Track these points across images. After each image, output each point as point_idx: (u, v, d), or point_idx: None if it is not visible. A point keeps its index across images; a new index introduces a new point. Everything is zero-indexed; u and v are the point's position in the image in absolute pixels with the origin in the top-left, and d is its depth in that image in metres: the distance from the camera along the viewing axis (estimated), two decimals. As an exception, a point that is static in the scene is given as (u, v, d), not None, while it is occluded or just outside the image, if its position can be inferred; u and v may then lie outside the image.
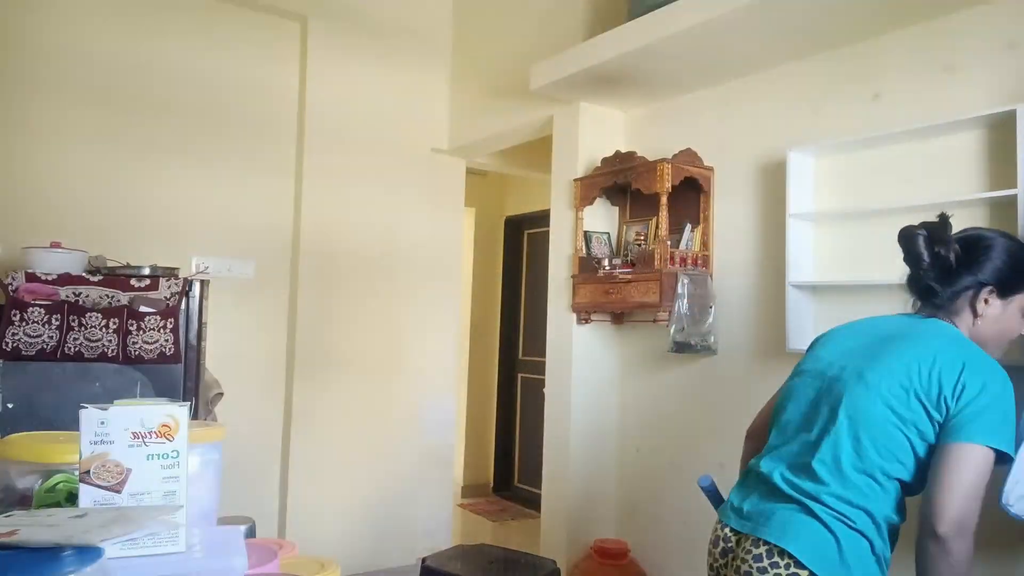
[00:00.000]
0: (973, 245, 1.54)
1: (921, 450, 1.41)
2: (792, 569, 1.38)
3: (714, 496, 1.82)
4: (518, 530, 4.89)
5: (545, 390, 3.50)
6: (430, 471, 4.29)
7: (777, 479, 1.49)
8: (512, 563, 2.84)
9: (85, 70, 3.31)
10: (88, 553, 0.73)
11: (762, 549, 1.42)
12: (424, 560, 2.84)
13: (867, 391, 1.44)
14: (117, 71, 3.38)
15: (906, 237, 1.59)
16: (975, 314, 1.54)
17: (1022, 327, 1.58)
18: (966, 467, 1.34)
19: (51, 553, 0.72)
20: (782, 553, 1.39)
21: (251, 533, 1.25)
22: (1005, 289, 1.52)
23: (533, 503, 4.98)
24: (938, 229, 1.55)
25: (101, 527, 0.78)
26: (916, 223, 1.61)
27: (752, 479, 1.59)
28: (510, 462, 5.77)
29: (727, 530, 1.56)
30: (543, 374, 3.58)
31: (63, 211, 3.22)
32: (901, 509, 1.47)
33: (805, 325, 2.62)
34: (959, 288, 1.53)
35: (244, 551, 0.92)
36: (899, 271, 2.41)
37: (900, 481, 1.43)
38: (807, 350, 1.71)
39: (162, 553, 0.86)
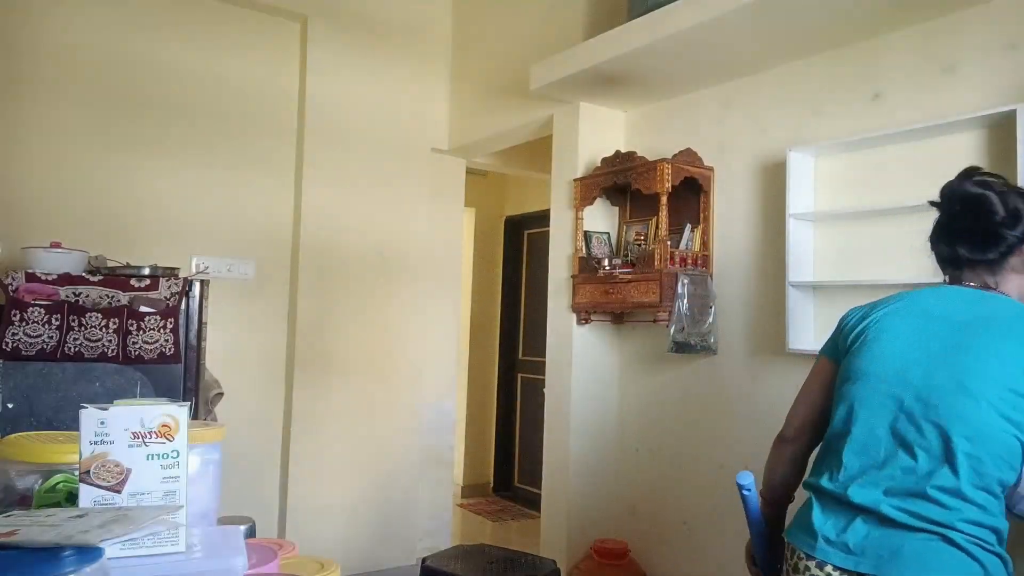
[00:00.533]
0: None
1: None
2: None
3: (752, 502, 1.55)
4: (518, 530, 4.89)
5: (545, 390, 3.50)
6: (430, 471, 4.29)
7: (888, 510, 1.29)
8: (512, 563, 2.84)
9: (85, 70, 3.31)
10: (88, 553, 0.72)
11: None
12: (424, 560, 2.84)
13: (976, 404, 1.26)
14: (117, 71, 3.38)
15: (974, 197, 1.37)
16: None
17: None
18: None
19: (51, 553, 0.72)
20: None
21: (251, 533, 1.25)
22: None
23: (533, 503, 4.98)
24: (1009, 188, 1.36)
25: (101, 527, 0.78)
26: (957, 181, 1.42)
27: (843, 507, 1.36)
28: (510, 462, 5.76)
29: (828, 568, 1.33)
30: (543, 374, 3.58)
31: (63, 211, 3.22)
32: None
33: (805, 325, 2.62)
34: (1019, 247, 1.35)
35: (244, 551, 0.92)
36: (898, 271, 2.42)
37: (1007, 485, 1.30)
38: (849, 337, 1.46)
39: (162, 553, 0.86)
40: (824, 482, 1.39)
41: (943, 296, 1.41)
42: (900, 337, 1.37)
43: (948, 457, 1.26)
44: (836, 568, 1.32)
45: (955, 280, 1.42)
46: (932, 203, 1.45)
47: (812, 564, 1.35)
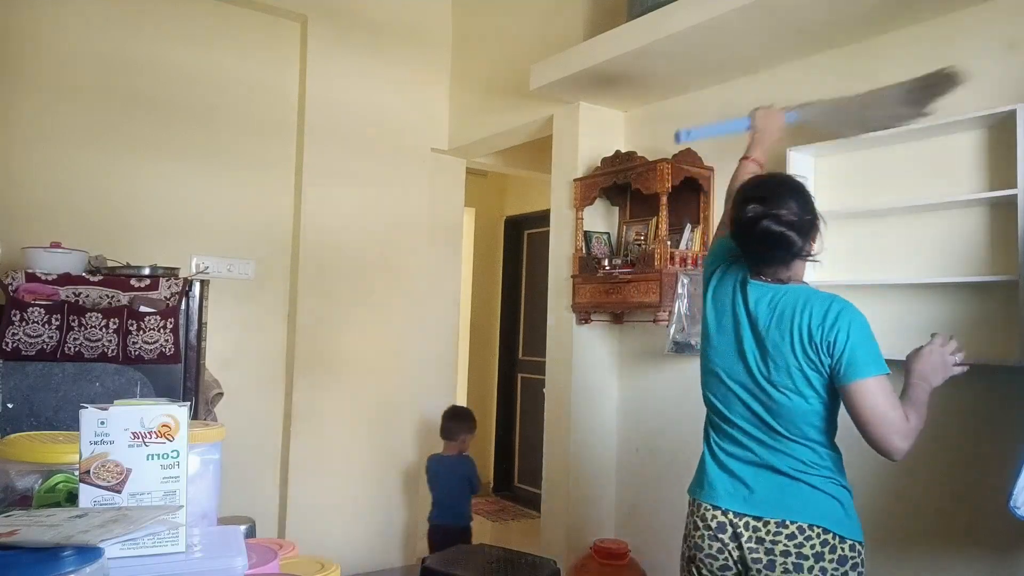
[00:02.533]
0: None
1: None
2: (822, 536, 1.61)
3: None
4: (518, 530, 4.89)
5: (545, 390, 3.50)
6: (430, 471, 4.29)
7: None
8: (512, 563, 2.84)
9: (85, 70, 3.31)
10: (88, 553, 0.73)
11: (793, 528, 1.62)
12: (424, 560, 2.84)
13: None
14: (117, 71, 3.38)
15: (775, 232, 1.65)
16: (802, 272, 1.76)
17: None
18: (882, 396, 1.62)
19: (51, 553, 0.72)
20: (812, 527, 1.62)
21: (251, 533, 1.25)
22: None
23: (533, 503, 4.97)
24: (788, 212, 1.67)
25: (101, 527, 0.78)
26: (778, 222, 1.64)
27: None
28: (510, 462, 5.77)
29: (731, 514, 1.68)
30: (543, 374, 3.58)
31: (63, 211, 3.22)
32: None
33: (805, 325, 2.61)
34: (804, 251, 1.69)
35: (244, 551, 0.92)
36: (898, 271, 2.42)
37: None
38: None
39: (162, 553, 0.86)
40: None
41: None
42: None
43: None
44: (737, 514, 1.68)
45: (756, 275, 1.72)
46: (733, 234, 1.73)
47: (712, 510, 1.72)
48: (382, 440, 4.01)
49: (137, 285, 2.54)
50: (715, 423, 1.79)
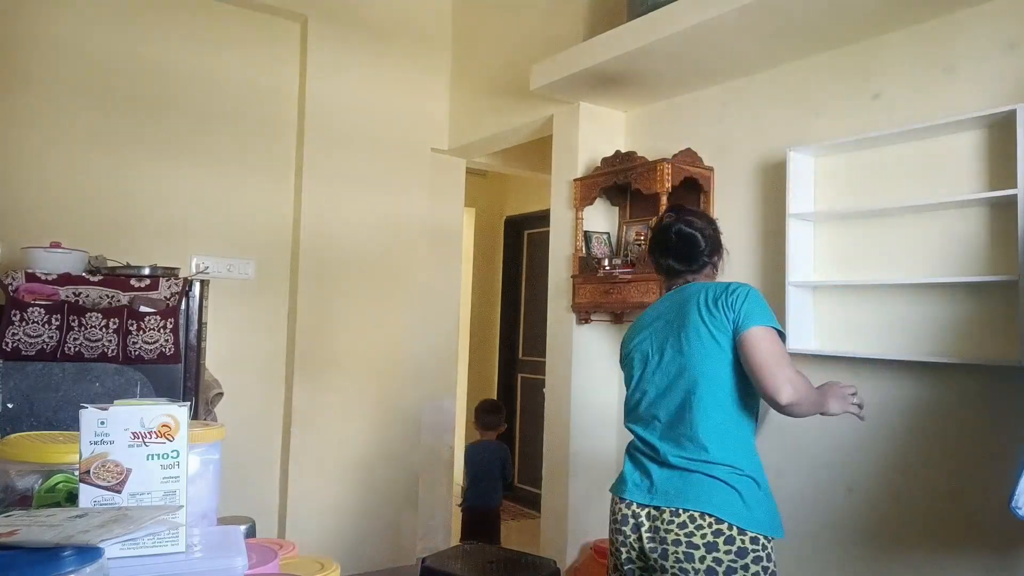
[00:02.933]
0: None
1: None
2: (715, 526, 1.65)
3: None
4: (518, 530, 4.89)
5: (545, 390, 3.50)
6: (430, 471, 4.29)
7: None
8: (512, 563, 2.84)
9: (85, 70, 3.31)
10: (88, 553, 0.72)
11: (684, 517, 1.67)
12: (424, 560, 2.84)
13: None
14: (117, 71, 3.38)
15: (687, 232, 1.92)
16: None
17: None
18: (769, 343, 1.75)
19: (51, 553, 0.72)
20: (703, 516, 1.66)
21: (251, 533, 1.25)
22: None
23: (533, 503, 4.97)
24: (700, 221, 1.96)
25: (101, 527, 0.78)
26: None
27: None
28: (510, 462, 5.75)
29: (635, 506, 1.76)
30: (543, 374, 3.58)
31: (63, 211, 3.22)
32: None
33: (805, 325, 2.62)
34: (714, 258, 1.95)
35: (244, 551, 0.92)
36: (898, 271, 2.42)
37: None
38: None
39: (162, 553, 0.86)
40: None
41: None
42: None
43: None
44: (640, 505, 1.75)
45: (670, 286, 1.96)
46: (652, 231, 2.00)
47: (623, 505, 1.80)
48: (382, 440, 4.01)
49: (137, 285, 2.54)
50: (634, 425, 1.89)
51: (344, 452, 3.87)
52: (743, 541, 1.63)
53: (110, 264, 2.75)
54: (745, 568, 1.62)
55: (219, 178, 3.63)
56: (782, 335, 1.74)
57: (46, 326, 2.38)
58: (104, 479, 0.89)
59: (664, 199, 2.90)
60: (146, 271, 2.64)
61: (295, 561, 1.07)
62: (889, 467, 2.40)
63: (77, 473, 0.90)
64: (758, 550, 1.64)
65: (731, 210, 2.96)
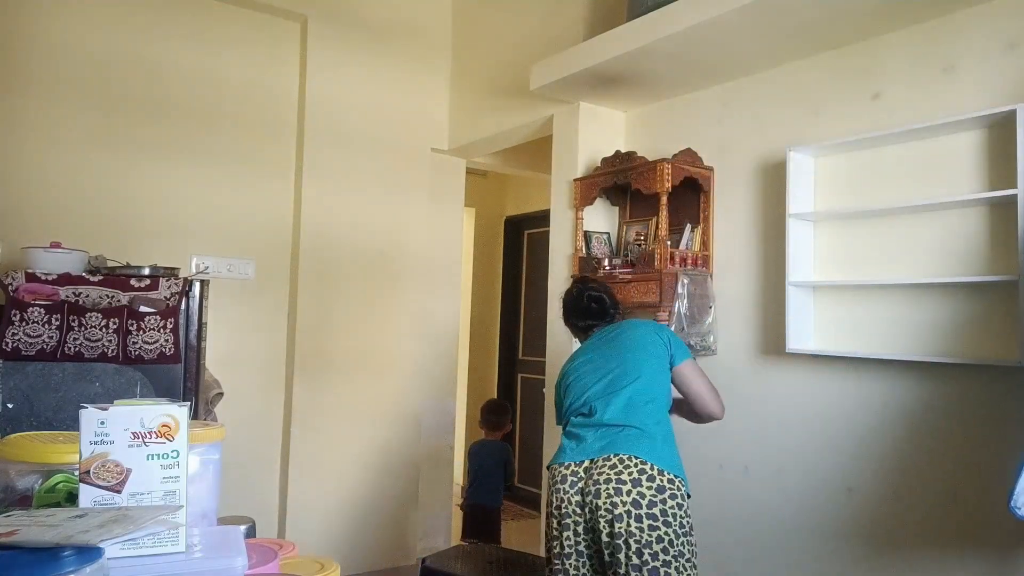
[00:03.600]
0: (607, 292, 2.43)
1: None
2: (640, 466, 1.98)
3: None
4: (518, 530, 4.89)
5: (545, 390, 3.49)
6: (430, 471, 4.29)
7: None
8: (512, 563, 2.84)
9: (85, 70, 3.31)
10: (88, 553, 0.72)
11: (614, 459, 2.00)
12: (424, 560, 2.84)
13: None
14: (117, 71, 3.38)
15: (596, 295, 2.39)
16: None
17: None
18: (698, 372, 2.28)
19: (51, 553, 0.72)
20: (631, 458, 1.99)
21: (251, 533, 1.25)
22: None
23: (533, 503, 4.97)
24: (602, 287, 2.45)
25: (101, 527, 0.78)
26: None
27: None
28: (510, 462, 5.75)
29: (573, 465, 2.07)
30: (543, 374, 3.58)
31: (63, 211, 3.22)
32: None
33: (805, 325, 2.62)
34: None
35: (244, 551, 0.92)
36: (898, 271, 2.42)
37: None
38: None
39: (162, 553, 0.86)
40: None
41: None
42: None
43: None
44: (578, 463, 2.07)
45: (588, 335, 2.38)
46: (564, 301, 2.44)
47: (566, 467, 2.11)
48: (382, 440, 4.01)
49: (137, 285, 2.54)
50: (572, 416, 2.21)
51: (344, 452, 3.87)
52: (662, 480, 1.95)
53: (110, 264, 2.75)
54: (663, 503, 1.93)
55: (219, 178, 3.63)
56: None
57: (46, 326, 2.38)
58: (104, 479, 0.89)
59: (664, 199, 2.90)
60: (146, 271, 2.64)
61: (295, 561, 1.07)
62: (889, 467, 2.40)
63: (77, 473, 0.90)
64: (674, 489, 1.97)
65: (731, 210, 2.96)
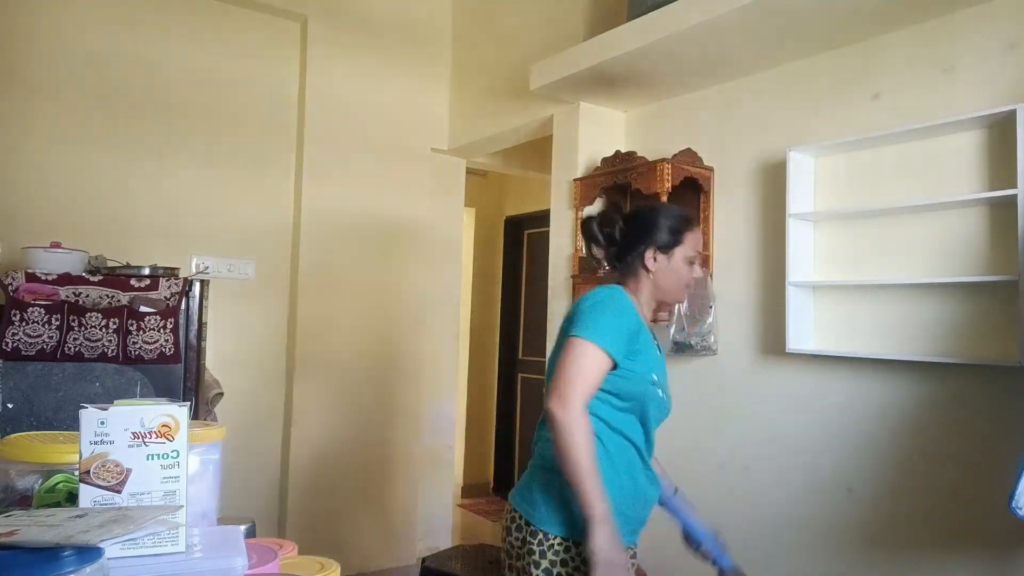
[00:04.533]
0: (633, 219, 1.83)
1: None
2: (517, 521, 1.70)
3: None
4: (518, 530, 4.88)
5: (545, 390, 3.49)
6: (430, 471, 4.29)
7: None
8: (512, 563, 2.84)
9: (85, 70, 3.31)
10: (88, 553, 0.72)
11: (509, 507, 1.74)
12: (424, 560, 2.85)
13: None
14: (117, 71, 3.38)
15: (583, 224, 1.88)
16: (647, 271, 1.77)
17: (691, 272, 1.81)
18: (567, 354, 1.62)
19: (51, 553, 0.72)
20: (514, 509, 1.73)
21: (251, 533, 1.25)
22: (663, 247, 1.77)
23: (533, 503, 4.96)
24: (606, 214, 1.87)
25: (101, 527, 0.78)
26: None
27: None
28: (510, 462, 5.76)
29: (509, 506, 1.76)
30: (543, 374, 3.57)
31: (63, 211, 3.22)
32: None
33: (805, 325, 2.62)
34: (632, 254, 1.79)
35: (244, 551, 0.91)
36: (898, 271, 2.42)
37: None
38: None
39: (162, 553, 0.86)
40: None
41: None
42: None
43: None
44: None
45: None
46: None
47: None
48: (382, 440, 4.01)
49: (137, 285, 2.54)
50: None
51: (344, 452, 3.87)
52: (527, 533, 1.65)
53: (110, 264, 2.75)
54: (520, 557, 1.65)
55: (219, 178, 3.63)
56: (613, 346, 1.62)
57: (46, 326, 2.38)
58: (104, 479, 0.89)
59: (664, 199, 2.90)
60: (146, 271, 2.64)
61: (295, 561, 1.07)
62: (889, 467, 2.40)
63: (77, 473, 0.90)
64: (536, 545, 1.62)
65: (731, 210, 2.96)
